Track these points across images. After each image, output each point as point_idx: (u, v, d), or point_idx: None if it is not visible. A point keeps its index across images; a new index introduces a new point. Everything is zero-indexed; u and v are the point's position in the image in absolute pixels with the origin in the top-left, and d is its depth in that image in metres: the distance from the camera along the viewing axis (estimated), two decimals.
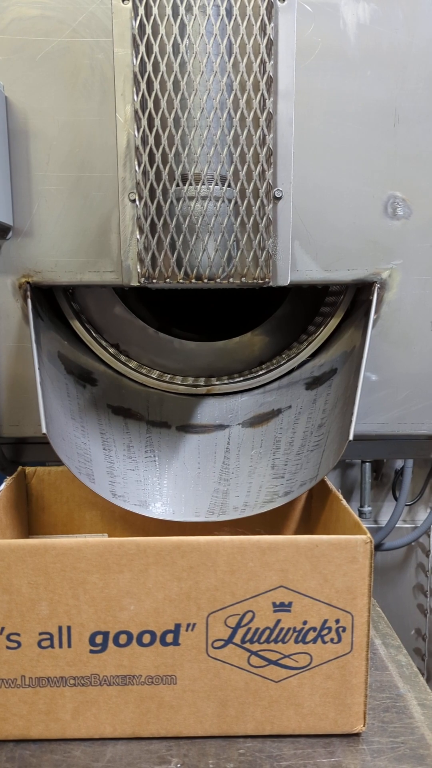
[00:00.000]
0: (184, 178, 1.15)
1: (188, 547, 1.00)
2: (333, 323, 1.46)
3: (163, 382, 1.49)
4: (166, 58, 1.11)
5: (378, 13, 1.22)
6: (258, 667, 1.03)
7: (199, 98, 1.12)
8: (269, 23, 1.11)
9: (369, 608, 1.02)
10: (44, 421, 1.14)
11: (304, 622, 1.02)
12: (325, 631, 1.02)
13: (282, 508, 1.31)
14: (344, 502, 1.19)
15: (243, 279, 1.20)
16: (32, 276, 1.29)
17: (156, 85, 1.12)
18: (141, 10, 1.10)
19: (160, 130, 1.13)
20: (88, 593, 1.00)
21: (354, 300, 1.45)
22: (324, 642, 1.03)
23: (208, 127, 1.13)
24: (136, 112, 1.13)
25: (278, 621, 1.02)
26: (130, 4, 1.10)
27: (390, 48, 1.23)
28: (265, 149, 1.15)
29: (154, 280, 1.19)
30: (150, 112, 1.13)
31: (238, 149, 1.14)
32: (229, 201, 1.16)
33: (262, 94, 1.13)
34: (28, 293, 1.29)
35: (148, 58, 1.11)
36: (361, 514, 2.25)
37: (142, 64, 1.12)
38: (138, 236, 1.18)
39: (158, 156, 1.14)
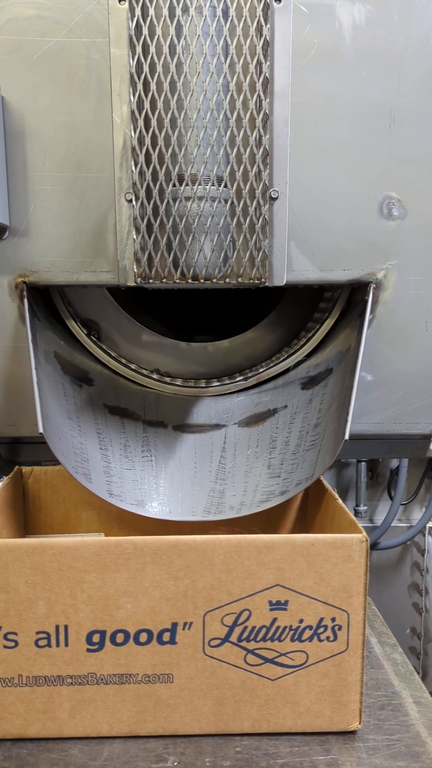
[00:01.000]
0: (180, 179, 1.15)
1: (185, 546, 1.00)
2: (328, 323, 1.47)
3: (159, 381, 1.49)
4: (162, 59, 1.11)
5: (373, 15, 1.23)
6: (254, 665, 1.04)
7: (196, 99, 1.12)
8: (265, 24, 1.11)
9: (365, 607, 1.03)
10: (41, 421, 1.14)
11: (300, 621, 1.03)
12: (321, 630, 1.03)
13: (278, 507, 1.31)
14: (340, 501, 1.20)
15: (239, 279, 1.21)
16: (29, 276, 1.29)
17: (152, 86, 1.12)
18: (137, 11, 1.10)
19: (157, 131, 1.13)
20: (85, 592, 1.01)
21: (349, 300, 1.45)
22: (320, 640, 1.03)
23: (205, 128, 1.13)
24: (132, 112, 1.14)
25: (274, 619, 1.03)
26: (126, 5, 1.10)
27: (385, 49, 1.24)
28: (261, 150, 1.15)
29: (151, 281, 1.20)
30: (146, 113, 1.13)
31: (235, 150, 1.15)
32: (226, 201, 1.17)
33: (259, 95, 1.14)
34: (25, 293, 1.29)
35: (145, 59, 1.12)
36: (356, 513, 2.25)
37: (139, 64, 1.12)
38: (134, 236, 1.18)
39: (155, 156, 1.14)
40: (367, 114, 1.26)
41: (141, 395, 1.49)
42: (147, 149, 1.14)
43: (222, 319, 1.70)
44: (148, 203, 1.16)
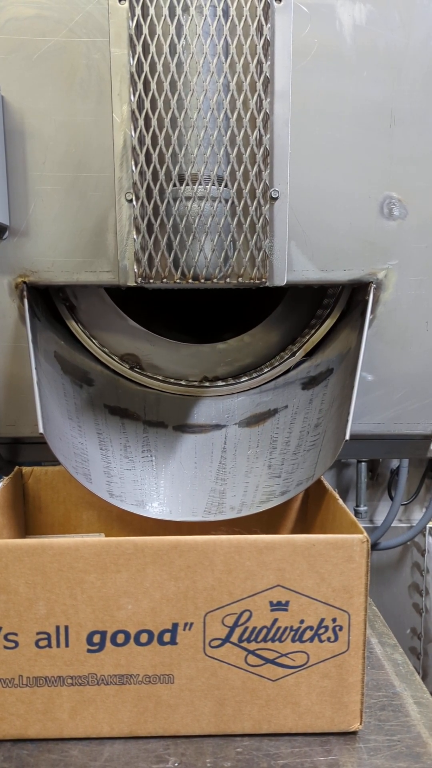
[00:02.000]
0: (180, 178, 1.15)
1: (185, 546, 1.00)
2: (328, 323, 1.47)
3: (160, 382, 1.49)
4: (162, 59, 1.11)
5: (374, 14, 1.22)
6: (255, 666, 1.04)
7: (196, 98, 1.12)
8: (266, 24, 1.11)
9: (365, 607, 1.02)
10: (41, 421, 1.14)
11: (301, 621, 1.02)
12: (321, 630, 1.03)
13: (279, 507, 1.31)
14: (340, 501, 1.19)
15: (240, 279, 1.20)
16: (29, 276, 1.29)
17: (153, 86, 1.12)
18: (138, 10, 1.10)
19: (157, 130, 1.13)
20: (85, 593, 1.01)
21: (350, 300, 1.45)
22: (321, 641, 1.03)
23: (205, 128, 1.13)
24: (132, 112, 1.13)
25: (275, 620, 1.02)
26: (126, 4, 1.10)
27: (386, 49, 1.24)
28: (261, 150, 1.15)
29: (151, 281, 1.20)
30: (147, 112, 1.13)
31: (235, 149, 1.15)
32: (226, 201, 1.16)
33: (259, 95, 1.13)
34: (25, 293, 1.29)
35: (145, 58, 1.11)
36: (357, 513, 2.25)
37: (139, 64, 1.12)
38: (135, 236, 1.18)
39: (155, 156, 1.14)
40: (367, 114, 1.26)
41: (141, 395, 1.48)
42: (147, 149, 1.14)
43: (222, 319, 1.70)
44: (149, 203, 1.16)
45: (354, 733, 1.06)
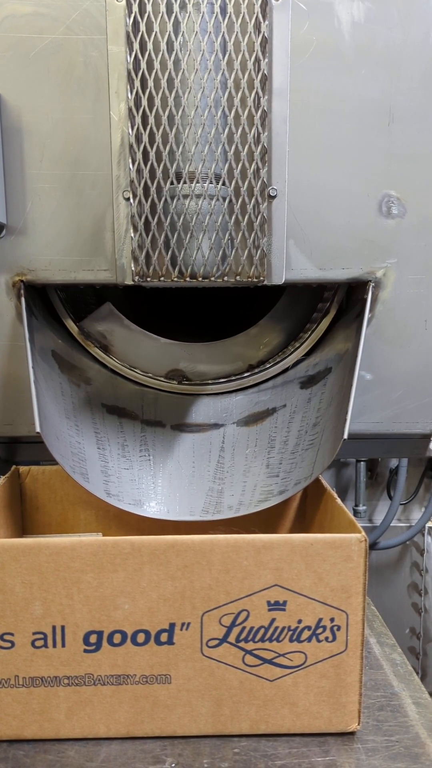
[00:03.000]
0: (178, 176, 1.15)
1: (183, 546, 1.00)
2: (326, 322, 1.46)
3: (157, 381, 1.49)
4: (160, 56, 1.11)
5: (373, 12, 1.22)
6: (252, 666, 1.03)
7: (194, 96, 1.12)
8: (264, 21, 1.11)
9: (363, 607, 1.02)
10: (38, 420, 1.13)
11: (299, 621, 1.02)
12: (319, 630, 1.02)
13: (277, 507, 1.31)
14: (339, 500, 1.19)
15: (237, 277, 1.20)
16: (26, 274, 1.29)
17: (150, 83, 1.12)
18: (135, 8, 1.10)
19: (155, 128, 1.13)
20: (82, 592, 1.00)
21: (349, 299, 1.45)
22: (318, 641, 1.02)
23: (203, 125, 1.13)
24: (130, 109, 1.13)
25: (273, 620, 1.02)
26: (123, 2, 1.10)
27: (385, 47, 1.23)
28: (259, 147, 1.15)
29: (149, 279, 1.19)
30: (144, 110, 1.13)
31: (233, 147, 1.14)
32: (224, 199, 1.16)
33: (257, 92, 1.13)
34: (22, 292, 1.28)
35: (142, 56, 1.11)
36: (355, 513, 2.25)
37: (136, 61, 1.11)
38: (132, 234, 1.18)
39: (152, 154, 1.14)
40: (366, 112, 1.25)
41: (139, 394, 1.48)
42: (145, 147, 1.14)
43: (221, 318, 1.69)
44: (146, 201, 1.16)
45: (352, 733, 1.06)
